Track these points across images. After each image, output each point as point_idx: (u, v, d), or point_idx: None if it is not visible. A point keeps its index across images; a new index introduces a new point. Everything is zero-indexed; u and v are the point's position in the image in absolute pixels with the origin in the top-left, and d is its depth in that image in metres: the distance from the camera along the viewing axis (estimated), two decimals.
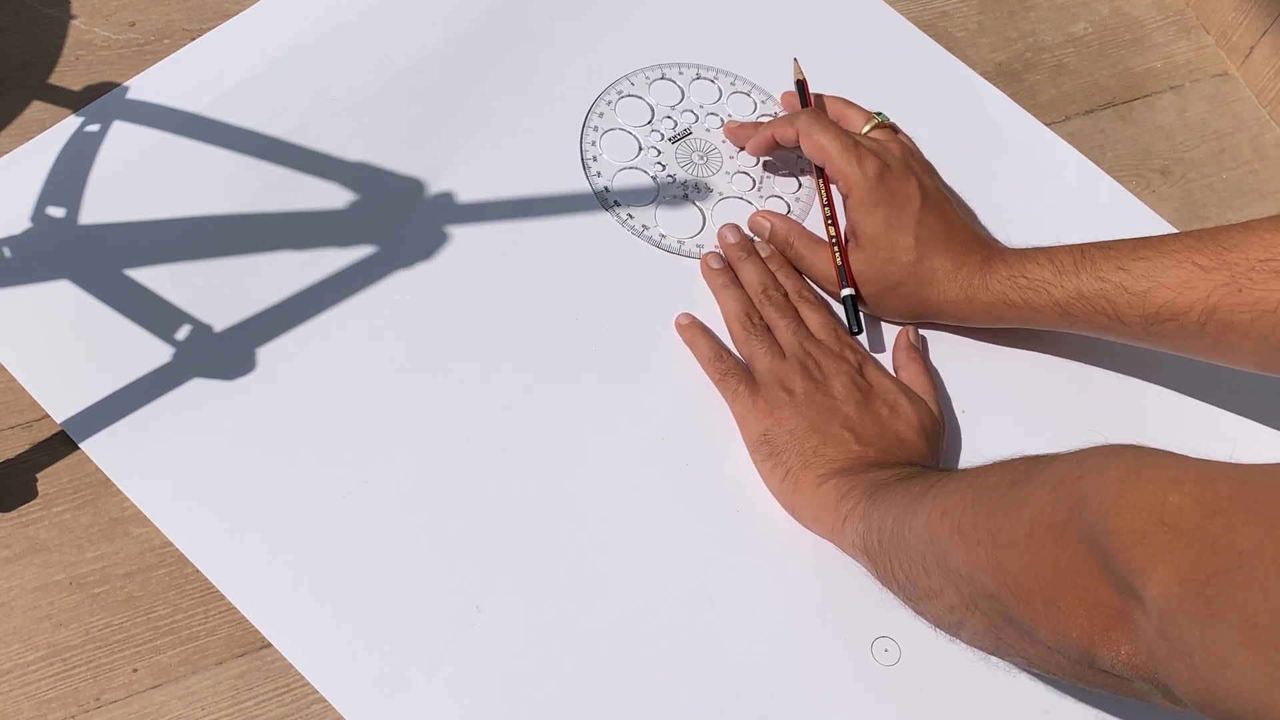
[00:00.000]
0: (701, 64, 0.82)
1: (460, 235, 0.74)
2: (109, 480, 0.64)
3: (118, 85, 0.76)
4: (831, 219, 0.74)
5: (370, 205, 0.74)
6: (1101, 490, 0.45)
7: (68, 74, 0.77)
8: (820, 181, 0.75)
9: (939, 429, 0.68)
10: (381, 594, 0.63)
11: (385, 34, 0.80)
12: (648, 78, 0.81)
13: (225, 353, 0.68)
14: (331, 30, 0.80)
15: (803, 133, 0.73)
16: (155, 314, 0.68)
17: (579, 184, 0.76)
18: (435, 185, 0.75)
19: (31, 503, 0.64)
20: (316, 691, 0.60)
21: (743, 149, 0.79)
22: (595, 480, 0.67)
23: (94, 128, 0.74)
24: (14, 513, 0.63)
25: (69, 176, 0.72)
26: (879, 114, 0.77)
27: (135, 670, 0.60)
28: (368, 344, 0.69)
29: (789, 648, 0.63)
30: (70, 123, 0.74)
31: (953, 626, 0.56)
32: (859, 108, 0.78)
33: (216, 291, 0.70)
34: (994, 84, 0.85)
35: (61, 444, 0.65)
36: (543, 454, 0.67)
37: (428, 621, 0.62)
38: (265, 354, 0.68)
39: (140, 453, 0.65)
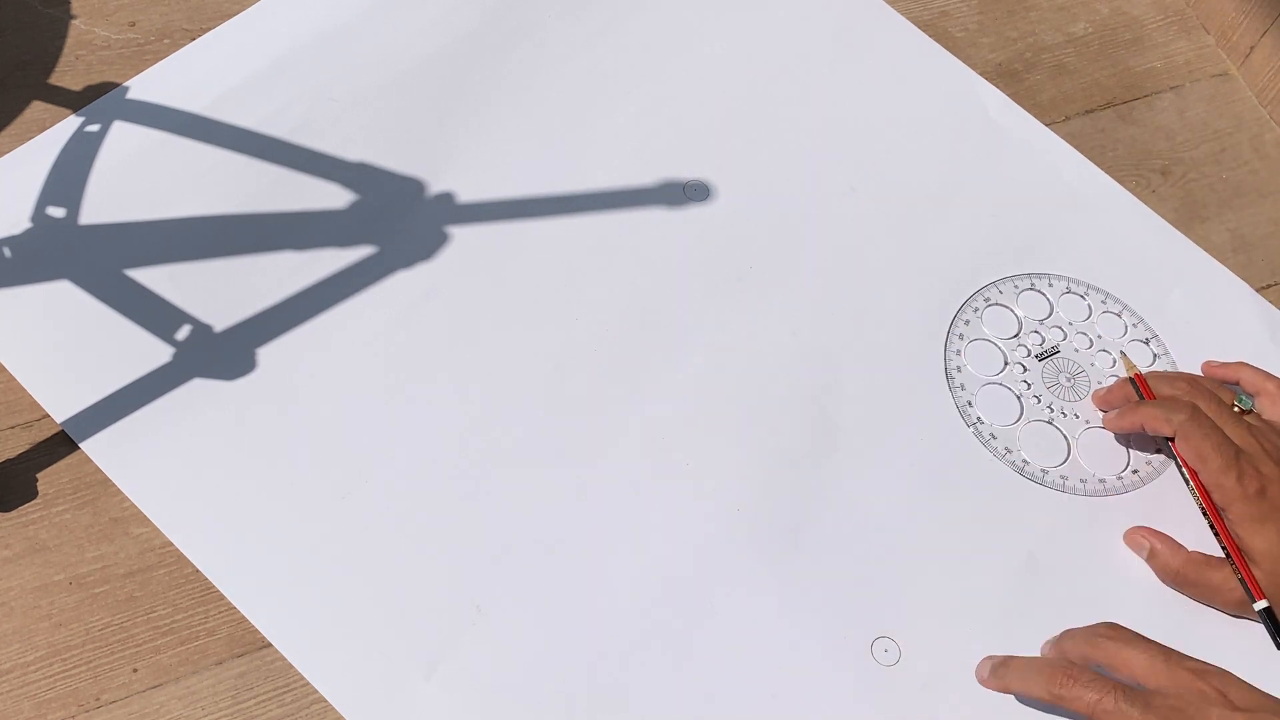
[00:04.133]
0: (1072, 277, 0.77)
1: (460, 235, 0.74)
2: (109, 480, 0.64)
3: (118, 85, 0.76)
4: (1219, 532, 0.68)
5: (370, 205, 0.74)
6: None
7: (68, 74, 0.77)
8: (1199, 493, 0.69)
9: None
10: (381, 594, 0.63)
11: (385, 34, 0.80)
12: (1016, 287, 0.76)
13: (225, 353, 0.68)
14: (331, 30, 0.80)
15: (1181, 435, 0.68)
16: (155, 314, 0.69)
17: (942, 393, 0.72)
18: (435, 185, 0.75)
19: (31, 503, 0.64)
20: (316, 691, 0.60)
21: (1104, 412, 0.73)
22: (594, 480, 0.67)
23: (94, 128, 0.74)
24: (14, 513, 0.63)
25: (69, 176, 0.72)
26: (1239, 398, 0.71)
27: (135, 670, 0.60)
28: (368, 344, 0.69)
29: (789, 648, 0.63)
30: (70, 123, 0.74)
31: None
32: (1211, 391, 0.71)
33: (216, 291, 0.70)
34: (994, 84, 0.85)
35: (61, 444, 0.65)
36: (542, 454, 0.67)
37: (428, 621, 0.62)
38: (265, 354, 0.68)
39: (140, 453, 0.65)
